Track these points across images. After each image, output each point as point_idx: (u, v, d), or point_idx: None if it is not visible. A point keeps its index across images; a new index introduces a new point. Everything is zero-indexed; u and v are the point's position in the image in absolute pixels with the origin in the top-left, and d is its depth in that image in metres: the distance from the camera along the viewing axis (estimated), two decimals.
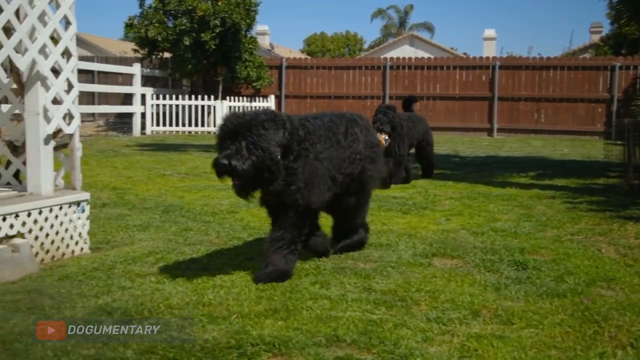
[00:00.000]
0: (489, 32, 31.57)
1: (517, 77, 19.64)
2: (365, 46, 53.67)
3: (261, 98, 19.63)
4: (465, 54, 34.29)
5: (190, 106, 18.40)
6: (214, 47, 17.78)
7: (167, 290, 3.58)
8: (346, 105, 20.50)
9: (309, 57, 28.98)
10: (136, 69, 17.51)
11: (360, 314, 3.20)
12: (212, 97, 18.58)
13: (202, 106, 18.42)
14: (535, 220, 5.66)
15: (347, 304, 3.37)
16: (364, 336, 2.90)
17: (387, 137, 7.61)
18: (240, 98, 19.00)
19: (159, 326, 3.00)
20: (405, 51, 33.73)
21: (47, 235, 4.26)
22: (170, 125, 18.27)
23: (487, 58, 20.71)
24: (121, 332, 2.91)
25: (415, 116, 8.63)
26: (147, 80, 18.63)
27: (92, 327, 2.96)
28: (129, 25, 18.55)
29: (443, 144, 15.32)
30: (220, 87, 19.08)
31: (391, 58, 21.40)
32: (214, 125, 18.48)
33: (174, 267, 4.05)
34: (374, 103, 20.29)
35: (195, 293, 3.53)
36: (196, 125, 18.43)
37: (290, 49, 43.33)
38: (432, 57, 22.96)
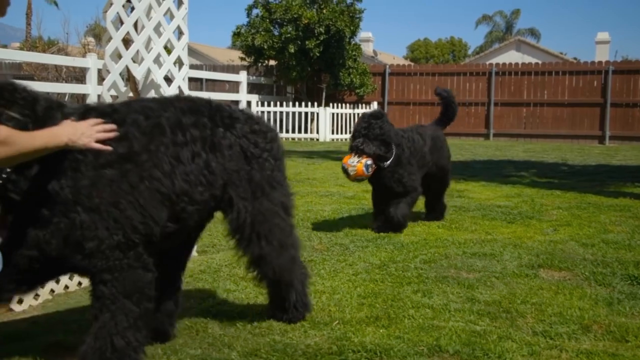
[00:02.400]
0: (602, 36, 30.20)
1: (632, 82, 18.67)
2: (470, 52, 52.76)
3: (364, 105, 19.68)
4: (575, 58, 33.03)
5: (294, 113, 18.71)
6: (318, 54, 18.00)
7: None
8: None
9: (412, 64, 28.80)
10: (242, 77, 17.97)
11: (463, 325, 3.13)
12: (316, 104, 18.80)
13: (306, 113, 18.68)
14: None
15: (450, 313, 3.31)
16: (467, 347, 2.83)
17: (369, 162, 5.25)
18: (344, 105, 19.13)
19: (262, 329, 3.07)
20: (512, 56, 32.81)
21: None
22: None
23: (600, 62, 19.80)
24: (226, 334, 2.99)
25: (425, 128, 6.11)
26: (252, 88, 19.10)
27: (199, 328, 3.07)
28: (236, 34, 19.11)
29: (550, 152, 14.80)
30: (324, 94, 19.28)
31: (497, 64, 20.89)
32: (317, 132, 18.70)
33: None
34: (478, 110, 19.91)
35: None
36: (300, 131, 18.71)
37: (393, 55, 43.18)
38: (539, 62, 22.22)
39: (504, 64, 20.86)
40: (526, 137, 19.46)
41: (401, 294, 3.64)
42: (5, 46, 31.51)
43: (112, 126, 2.47)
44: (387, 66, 21.54)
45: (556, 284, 3.87)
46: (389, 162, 5.40)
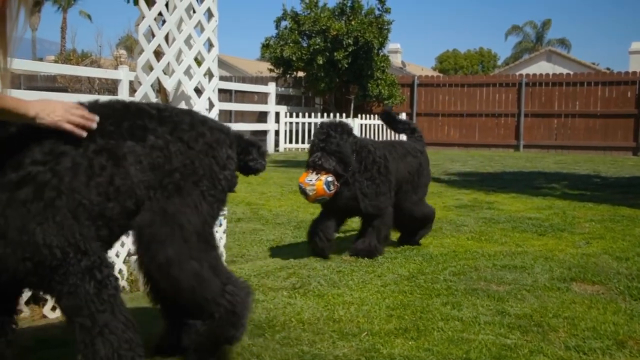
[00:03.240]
0: (637, 45, 29.74)
1: None
2: (500, 62, 52.44)
3: None
4: (608, 69, 32.59)
5: None
6: (346, 65, 18.04)
7: (299, 305, 3.65)
8: (479, 123, 20.08)
9: (441, 75, 28.71)
10: (271, 88, 18.09)
11: (493, 338, 3.10)
12: (344, 115, 18.81)
13: None
14: None
15: (480, 326, 3.27)
16: None
17: (330, 179, 4.61)
18: (372, 116, 19.13)
19: (290, 340, 3.07)
20: (542, 67, 32.54)
21: None
22: (303, 142, 18.69)
23: (634, 72, 19.47)
24: (255, 344, 3.00)
25: (395, 143, 5.40)
26: (281, 99, 19.20)
27: None
28: (265, 46, 19.24)
29: (582, 164, 14.60)
30: (352, 105, 19.30)
31: (527, 74, 20.73)
32: None
33: (306, 282, 4.12)
34: (508, 121, 19.75)
35: (326, 309, 3.57)
36: None
37: (422, 66, 43.10)
38: (571, 72, 21.99)
39: (534, 74, 20.69)
40: (557, 148, 19.25)
41: (430, 306, 3.62)
42: (40, 59, 32.20)
43: (95, 117, 2.28)
44: (416, 77, 21.51)
45: (589, 298, 3.81)
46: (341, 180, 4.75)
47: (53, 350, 2.92)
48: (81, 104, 2.38)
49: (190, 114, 2.57)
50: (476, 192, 8.73)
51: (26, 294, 3.46)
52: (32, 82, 20.75)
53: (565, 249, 5.22)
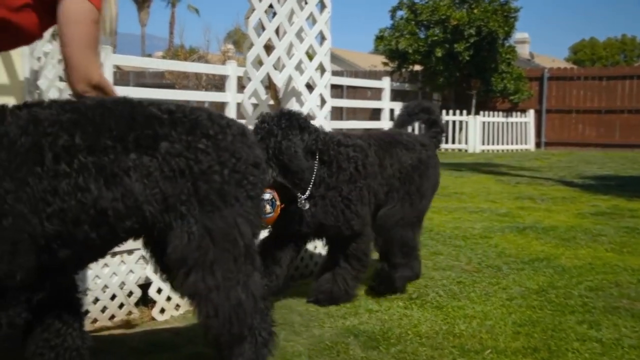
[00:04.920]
0: None
1: None
2: None
3: (519, 113, 19.12)
4: None
5: None
6: (467, 58, 17.74)
7: (416, 316, 3.63)
8: (620, 121, 19.16)
9: (575, 67, 27.66)
10: (385, 83, 17.98)
11: None
12: (465, 112, 18.52)
13: (454, 122, 18.44)
14: None
15: (623, 350, 3.13)
16: None
17: (268, 196, 3.36)
18: (496, 113, 18.70)
19: (407, 355, 3.05)
20: None
21: None
22: None
23: None
24: (369, 357, 3.01)
25: (386, 136, 4.23)
26: (396, 95, 19.12)
27: (340, 349, 3.11)
28: (379, 38, 19.26)
29: None
30: (474, 102, 18.95)
31: None
32: (466, 142, 18.40)
33: (423, 293, 4.09)
34: None
35: (445, 322, 3.53)
36: (447, 142, 18.47)
37: (552, 57, 41.70)
38: None
39: None
40: None
41: (563, 324, 3.49)
42: (149, 55, 33.84)
43: None
44: (546, 70, 20.81)
45: None
46: (304, 197, 3.64)
47: (164, 354, 3.05)
48: (78, 105, 2.21)
49: (203, 109, 2.38)
50: (616, 198, 8.33)
51: (135, 296, 3.65)
52: (141, 78, 21.88)
53: None
